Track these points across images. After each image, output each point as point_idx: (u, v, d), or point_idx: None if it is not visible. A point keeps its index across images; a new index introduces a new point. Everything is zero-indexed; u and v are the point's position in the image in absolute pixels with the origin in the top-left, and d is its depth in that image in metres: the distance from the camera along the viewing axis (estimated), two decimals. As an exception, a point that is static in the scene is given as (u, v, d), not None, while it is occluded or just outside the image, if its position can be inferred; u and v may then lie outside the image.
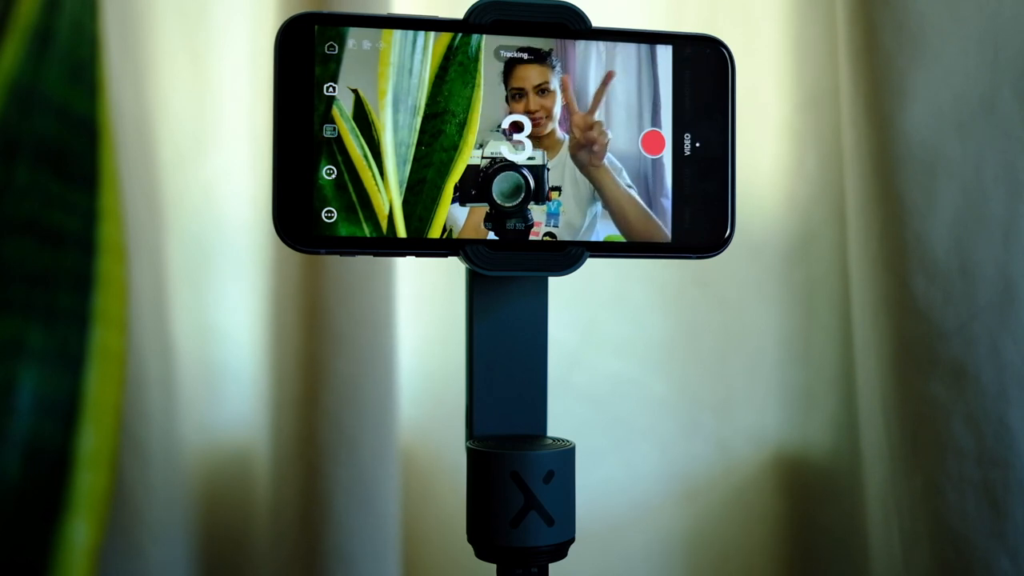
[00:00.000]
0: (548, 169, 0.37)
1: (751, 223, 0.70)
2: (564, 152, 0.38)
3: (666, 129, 0.39)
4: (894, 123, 0.57)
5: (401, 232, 0.36)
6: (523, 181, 0.37)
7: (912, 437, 0.58)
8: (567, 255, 0.38)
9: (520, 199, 0.37)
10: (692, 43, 0.40)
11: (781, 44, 0.69)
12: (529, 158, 0.37)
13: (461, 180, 0.37)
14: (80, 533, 0.55)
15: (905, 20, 0.57)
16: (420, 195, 0.36)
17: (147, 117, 0.74)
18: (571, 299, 0.70)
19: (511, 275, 0.39)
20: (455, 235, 0.36)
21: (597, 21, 0.39)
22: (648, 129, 0.39)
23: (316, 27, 0.36)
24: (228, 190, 0.76)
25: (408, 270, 0.74)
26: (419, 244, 0.37)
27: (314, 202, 0.36)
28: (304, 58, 0.36)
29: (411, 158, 0.36)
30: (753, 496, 0.71)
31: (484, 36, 0.37)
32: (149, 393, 0.71)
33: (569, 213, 0.37)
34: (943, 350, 0.56)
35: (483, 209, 0.37)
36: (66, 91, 0.58)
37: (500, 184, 0.37)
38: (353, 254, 0.37)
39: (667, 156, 0.39)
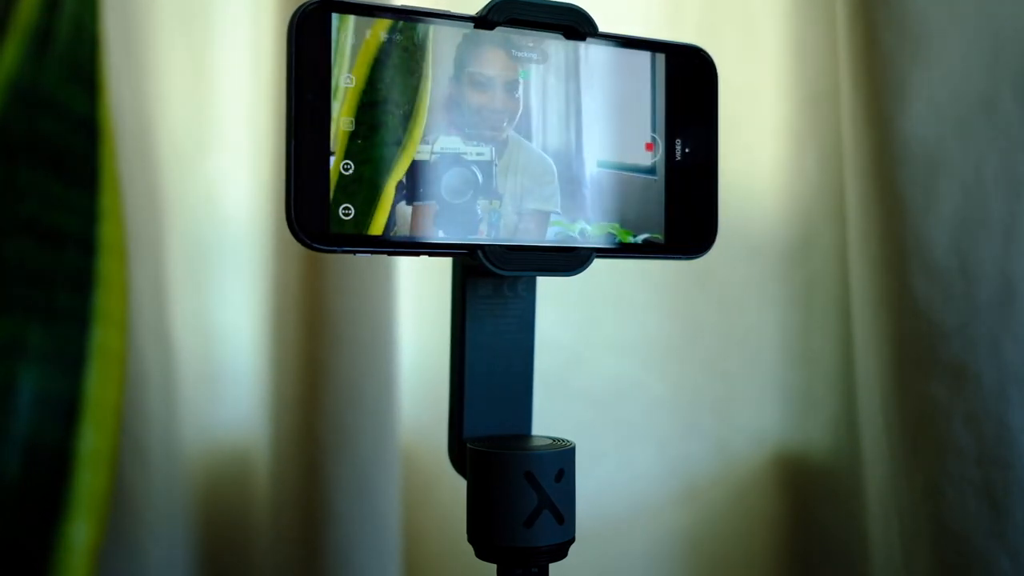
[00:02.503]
0: (496, 164, 0.37)
1: (751, 223, 0.70)
2: (508, 154, 0.37)
3: (659, 134, 0.40)
4: (894, 123, 0.57)
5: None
6: (472, 177, 0.37)
7: (912, 437, 0.58)
8: (577, 256, 0.38)
9: (468, 195, 0.36)
10: (679, 52, 0.41)
11: (781, 44, 0.69)
12: (479, 153, 0.37)
13: (407, 176, 0.35)
14: (80, 533, 0.55)
15: (905, 20, 0.57)
16: (355, 195, 0.34)
17: (147, 117, 0.74)
18: (571, 299, 0.70)
19: (523, 275, 0.39)
20: (397, 235, 0.35)
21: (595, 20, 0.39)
22: (642, 134, 0.40)
23: (333, 15, 0.35)
24: (228, 190, 0.76)
25: (408, 270, 0.74)
26: (434, 244, 0.36)
27: (331, 199, 0.34)
28: (320, 47, 0.34)
29: (340, 151, 0.34)
30: (753, 496, 0.71)
31: (432, 25, 0.36)
32: (149, 393, 0.71)
33: (507, 216, 0.37)
34: (943, 350, 0.56)
35: (429, 207, 0.36)
36: (66, 91, 0.58)
37: (449, 180, 0.36)
38: (369, 252, 0.35)
39: (660, 160, 0.40)
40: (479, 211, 0.37)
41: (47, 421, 0.55)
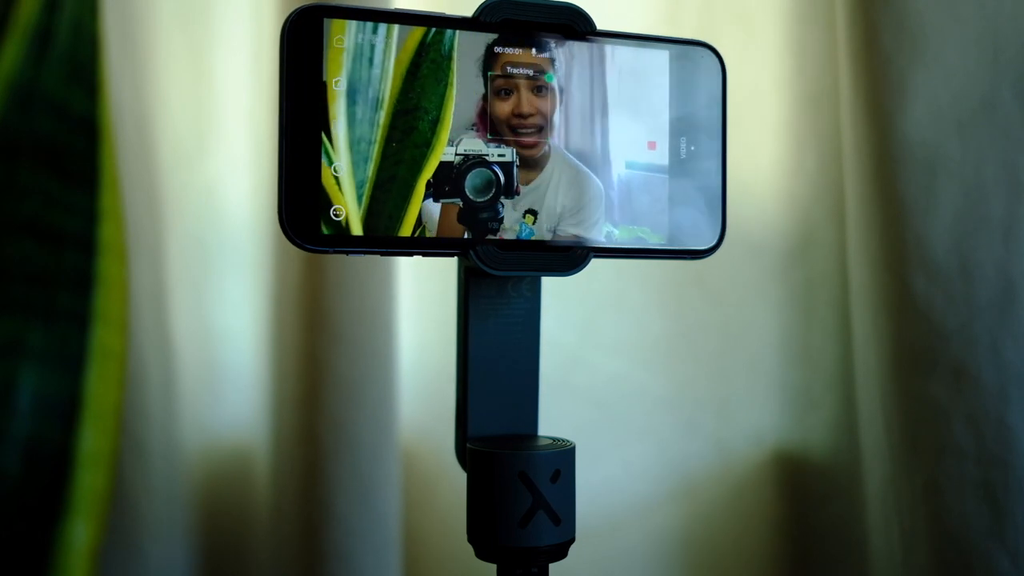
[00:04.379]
0: (517, 165, 0.37)
1: (751, 223, 0.70)
2: (550, 170, 0.38)
3: (662, 133, 0.39)
4: (894, 123, 0.57)
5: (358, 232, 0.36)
6: (494, 177, 0.37)
7: (912, 437, 0.58)
8: (573, 256, 0.38)
9: (491, 194, 0.37)
10: (687, 48, 0.40)
11: (781, 44, 0.69)
12: (500, 155, 0.37)
13: (434, 176, 0.36)
14: (80, 533, 0.55)
15: (905, 20, 0.57)
16: (390, 193, 0.36)
17: (147, 117, 0.74)
18: (571, 299, 0.70)
19: (518, 275, 0.39)
20: (427, 233, 0.36)
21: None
22: (646, 133, 0.39)
23: (325, 20, 0.35)
24: (228, 190, 0.76)
25: (408, 270, 0.74)
26: (427, 244, 0.36)
27: (322, 200, 0.35)
28: (312, 52, 0.35)
29: (377, 155, 0.36)
30: (752, 496, 0.71)
31: (457, 33, 0.37)
32: (149, 393, 0.71)
33: (542, 234, 0.38)
34: (943, 350, 0.56)
35: (455, 206, 0.37)
36: (66, 91, 0.58)
37: (472, 180, 0.37)
38: (361, 253, 0.36)
39: (663, 159, 0.39)
40: (500, 211, 0.37)
41: (47, 421, 0.55)
